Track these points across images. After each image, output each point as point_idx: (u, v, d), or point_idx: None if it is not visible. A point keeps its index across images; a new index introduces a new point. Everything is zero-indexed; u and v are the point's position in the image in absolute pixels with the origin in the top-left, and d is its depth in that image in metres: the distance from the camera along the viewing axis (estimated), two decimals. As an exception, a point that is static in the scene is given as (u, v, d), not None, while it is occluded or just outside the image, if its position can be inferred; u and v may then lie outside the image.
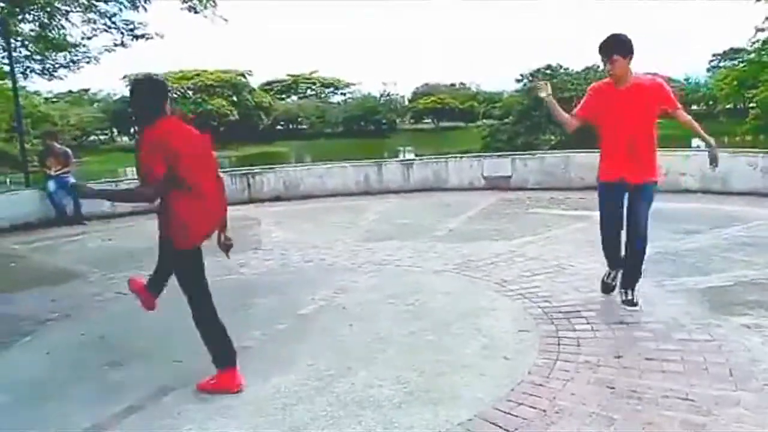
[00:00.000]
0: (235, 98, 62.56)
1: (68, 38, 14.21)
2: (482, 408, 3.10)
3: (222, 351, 3.58)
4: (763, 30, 18.00)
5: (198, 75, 60.71)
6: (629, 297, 4.45)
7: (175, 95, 58.36)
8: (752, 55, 22.28)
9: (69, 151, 10.34)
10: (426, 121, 71.52)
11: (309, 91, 73.71)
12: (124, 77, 59.41)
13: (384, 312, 4.71)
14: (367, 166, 11.80)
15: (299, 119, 69.25)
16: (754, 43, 18.68)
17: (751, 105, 19.23)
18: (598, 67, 35.26)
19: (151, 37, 15.96)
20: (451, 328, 4.27)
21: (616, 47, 4.09)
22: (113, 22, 15.48)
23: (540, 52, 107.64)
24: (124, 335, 4.57)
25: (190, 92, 60.68)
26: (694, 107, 61.91)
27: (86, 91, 62.64)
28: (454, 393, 3.30)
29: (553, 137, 32.30)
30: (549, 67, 41.16)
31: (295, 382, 3.56)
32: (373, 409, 3.17)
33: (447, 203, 9.91)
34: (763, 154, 8.90)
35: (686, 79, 63.31)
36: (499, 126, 39.05)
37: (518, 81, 45.40)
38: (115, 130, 62.58)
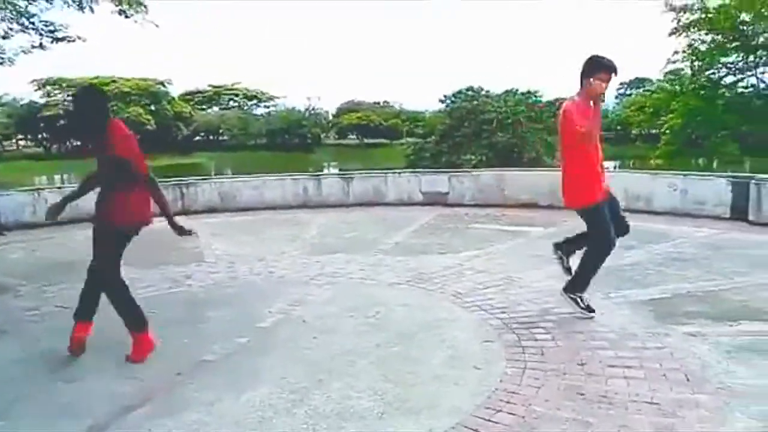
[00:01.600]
0: (152, 107, 60.35)
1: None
2: (462, 416, 3.16)
3: (138, 315, 4.12)
4: (674, 62, 19.56)
5: (114, 81, 57.98)
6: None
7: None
8: (659, 85, 24.10)
9: (-13, 156, 9.68)
10: (351, 137, 71.79)
11: (231, 103, 72.18)
12: (33, 81, 56.13)
13: (345, 324, 4.70)
14: (305, 179, 11.72)
15: (221, 130, 67.68)
16: (666, 74, 20.23)
17: (663, 131, 20.72)
18: (517, 90, 36.80)
19: (73, 40, 15.17)
20: (416, 340, 4.32)
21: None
22: (32, 23, 14.63)
23: (461, 71, 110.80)
24: (72, 350, 4.30)
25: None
26: (605, 133, 65.78)
27: (-11, 94, 58.45)
28: (432, 402, 3.33)
29: (473, 157, 33.11)
30: (470, 89, 42.42)
31: (268, 395, 3.48)
32: (355, 421, 3.15)
33: (388, 217, 10.00)
34: (682, 176, 9.59)
35: (596, 106, 67.06)
36: (423, 144, 39.62)
37: (441, 102, 46.46)
38: (20, 137, 58.81)
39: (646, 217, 8.81)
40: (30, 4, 11.23)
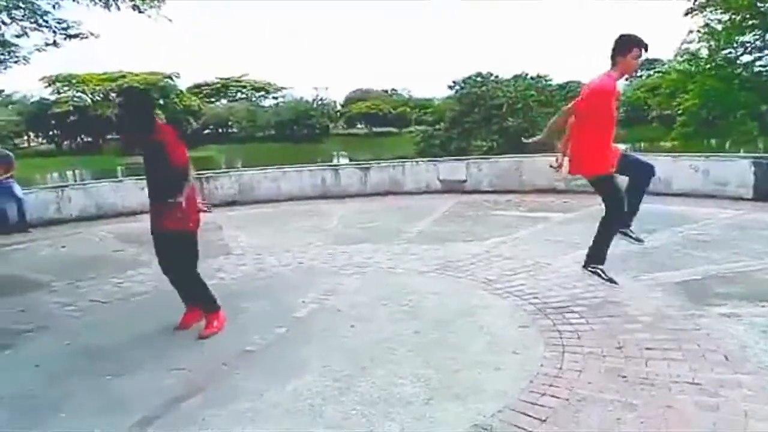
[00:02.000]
0: (161, 101, 60.48)
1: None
2: (509, 400, 3.22)
3: (211, 297, 4.55)
4: (690, 42, 19.40)
5: (123, 77, 58.19)
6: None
7: (98, 97, 56.02)
8: (671, 66, 23.89)
9: (11, 154, 9.76)
10: (359, 126, 71.69)
11: (239, 95, 72.26)
12: (43, 78, 56.42)
13: (380, 313, 4.76)
14: (323, 170, 11.80)
15: (229, 123, 67.78)
16: (682, 54, 20.03)
17: (678, 112, 20.56)
18: (527, 74, 36.56)
19: (86, 37, 15.25)
20: (452, 327, 4.38)
21: None
22: (45, 21, 14.72)
23: (470, 59, 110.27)
24: (115, 344, 4.39)
25: (114, 94, 58.09)
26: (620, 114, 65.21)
27: (-1, 92, 58.78)
28: (476, 387, 3.40)
29: (484, 143, 32.93)
30: (479, 74, 42.17)
31: (313, 383, 3.56)
32: (403, 406, 3.22)
33: (407, 206, 10.06)
34: (704, 157, 9.55)
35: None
36: (432, 132, 39.48)
37: (450, 88, 46.12)
38: (31, 134, 59.20)
39: (667, 200, 8.81)
40: (56, 5, 11.29)
